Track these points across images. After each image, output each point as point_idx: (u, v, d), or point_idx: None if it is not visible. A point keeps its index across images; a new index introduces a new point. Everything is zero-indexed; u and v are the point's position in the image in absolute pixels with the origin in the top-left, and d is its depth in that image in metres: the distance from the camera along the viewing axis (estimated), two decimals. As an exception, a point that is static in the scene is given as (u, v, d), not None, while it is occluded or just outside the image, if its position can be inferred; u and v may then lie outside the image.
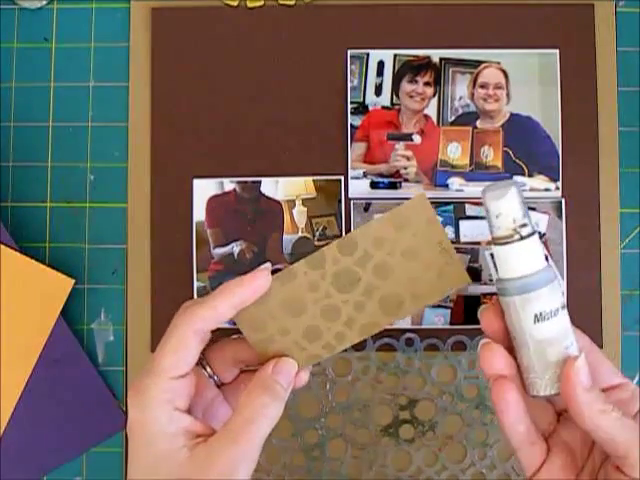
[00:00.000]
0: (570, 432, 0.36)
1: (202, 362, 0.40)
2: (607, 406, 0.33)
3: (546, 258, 0.34)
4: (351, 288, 0.38)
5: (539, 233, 0.33)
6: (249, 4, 0.54)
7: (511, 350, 0.35)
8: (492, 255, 0.35)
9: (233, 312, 0.37)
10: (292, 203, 0.53)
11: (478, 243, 0.53)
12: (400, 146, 0.53)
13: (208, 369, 0.40)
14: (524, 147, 0.53)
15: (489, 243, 0.53)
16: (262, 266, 0.38)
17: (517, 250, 0.33)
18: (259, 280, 0.37)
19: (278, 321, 0.38)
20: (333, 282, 0.38)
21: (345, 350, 0.52)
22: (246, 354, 0.40)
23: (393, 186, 0.53)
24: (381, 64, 0.53)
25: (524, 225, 0.33)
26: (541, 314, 0.33)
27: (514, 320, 0.34)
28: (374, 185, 0.53)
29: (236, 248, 0.53)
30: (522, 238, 0.33)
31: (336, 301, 0.38)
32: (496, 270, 0.35)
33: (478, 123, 0.53)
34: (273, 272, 0.51)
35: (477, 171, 0.53)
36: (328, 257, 0.38)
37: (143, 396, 0.35)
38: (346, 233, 0.53)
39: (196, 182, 0.53)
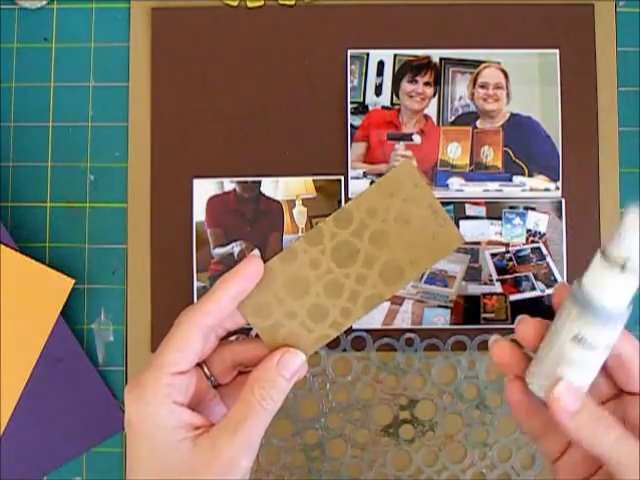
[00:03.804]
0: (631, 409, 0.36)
1: (201, 362, 0.40)
2: (600, 428, 0.33)
3: (631, 302, 0.32)
4: (351, 261, 0.38)
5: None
6: (249, 4, 0.54)
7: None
8: (594, 260, 0.33)
9: (234, 303, 0.37)
10: (292, 203, 0.53)
11: (478, 243, 0.53)
12: (400, 146, 0.53)
13: (206, 369, 0.40)
14: (524, 147, 0.53)
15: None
16: (252, 253, 0.38)
17: (607, 274, 0.32)
18: (252, 266, 0.38)
19: (283, 304, 0.38)
20: (333, 257, 0.38)
21: (345, 350, 0.52)
22: (245, 356, 0.40)
23: (393, 186, 0.53)
24: (381, 64, 0.53)
25: (629, 259, 0.31)
26: (581, 339, 0.33)
27: (558, 320, 0.34)
28: (374, 185, 0.53)
29: (236, 248, 0.53)
30: (622, 268, 0.32)
31: (338, 276, 0.38)
32: (588, 271, 0.33)
33: (478, 123, 0.53)
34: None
35: (477, 171, 0.53)
36: (325, 232, 0.38)
37: (142, 390, 0.36)
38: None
39: (196, 182, 0.53)
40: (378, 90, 0.53)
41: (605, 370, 0.35)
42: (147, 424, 0.35)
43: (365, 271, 0.38)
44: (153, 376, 0.36)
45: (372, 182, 0.53)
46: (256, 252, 0.39)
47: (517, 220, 0.53)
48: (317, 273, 0.38)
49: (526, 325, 0.36)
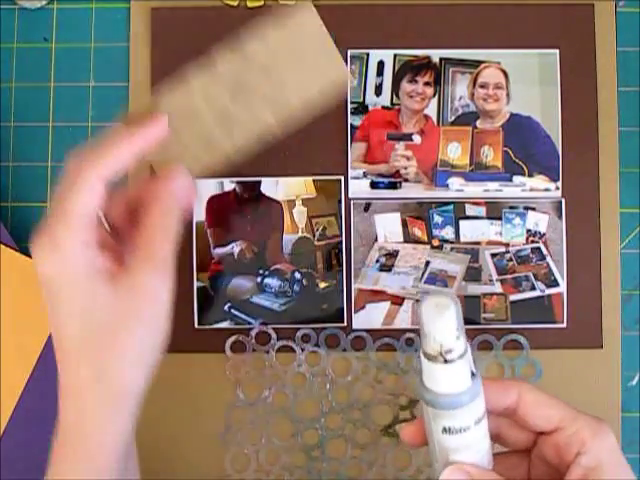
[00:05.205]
0: (547, 448, 0.36)
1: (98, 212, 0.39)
2: None
3: (472, 375, 0.33)
4: (242, 94, 0.40)
5: (463, 352, 0.32)
6: (249, 4, 0.54)
7: None
8: (422, 360, 0.34)
9: (135, 160, 0.38)
10: (292, 203, 0.53)
11: (478, 243, 0.53)
12: (400, 146, 0.53)
13: (104, 221, 0.39)
14: (524, 147, 0.53)
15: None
16: (160, 115, 0.39)
17: (438, 371, 0.32)
18: (158, 129, 0.38)
19: (177, 135, 0.39)
20: (225, 88, 0.39)
21: (345, 350, 0.52)
22: (139, 195, 0.40)
23: (393, 186, 0.53)
24: (381, 64, 0.53)
25: (450, 351, 0.32)
26: (450, 429, 0.33)
27: (426, 422, 0.34)
28: (374, 185, 0.53)
29: (236, 248, 0.53)
30: (446, 362, 0.32)
31: (229, 106, 0.40)
32: (421, 374, 0.34)
33: (478, 123, 0.53)
34: (273, 271, 0.52)
35: (477, 171, 0.53)
36: (219, 64, 0.39)
37: (53, 238, 0.34)
38: (346, 233, 0.53)
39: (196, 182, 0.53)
40: (378, 90, 0.53)
41: (514, 422, 0.36)
42: (64, 273, 0.34)
43: (255, 103, 0.39)
44: (61, 222, 0.35)
45: (372, 182, 0.53)
46: (166, 115, 0.39)
47: (517, 220, 0.53)
48: (209, 104, 0.39)
49: (408, 429, 0.36)
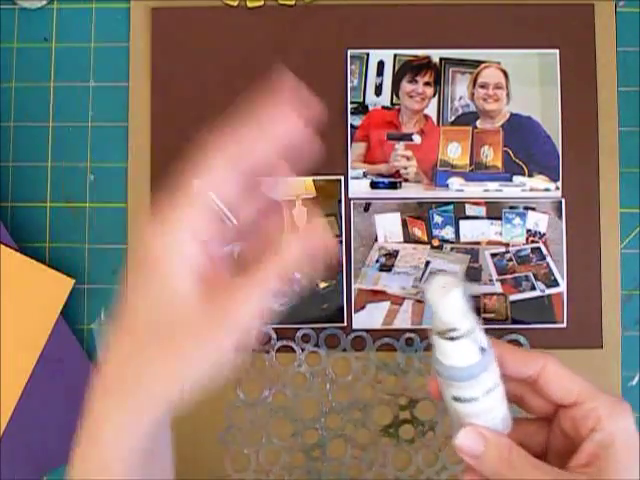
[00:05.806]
0: (565, 420, 0.36)
1: None
2: (503, 468, 0.33)
3: (482, 350, 0.34)
4: None
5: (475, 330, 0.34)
6: (249, 4, 0.54)
7: None
8: (433, 336, 0.35)
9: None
10: (292, 203, 0.53)
11: (478, 243, 0.53)
12: (400, 146, 0.53)
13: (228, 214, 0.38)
14: (524, 147, 0.53)
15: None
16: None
17: (445, 346, 0.34)
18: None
19: None
20: None
21: (345, 350, 0.52)
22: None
23: (393, 186, 0.53)
24: (381, 64, 0.53)
25: (455, 329, 0.33)
26: (459, 398, 0.34)
27: (440, 389, 0.36)
28: (374, 185, 0.53)
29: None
30: (452, 339, 0.34)
31: None
32: (434, 347, 0.35)
33: (478, 123, 0.53)
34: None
35: (477, 171, 0.53)
36: None
37: (173, 227, 0.34)
38: (346, 233, 0.53)
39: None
40: (378, 90, 0.53)
41: (535, 391, 0.36)
42: (165, 264, 0.33)
43: None
44: (183, 214, 0.35)
45: (372, 182, 0.53)
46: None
47: (517, 220, 0.53)
48: None
49: (434, 383, 0.36)
